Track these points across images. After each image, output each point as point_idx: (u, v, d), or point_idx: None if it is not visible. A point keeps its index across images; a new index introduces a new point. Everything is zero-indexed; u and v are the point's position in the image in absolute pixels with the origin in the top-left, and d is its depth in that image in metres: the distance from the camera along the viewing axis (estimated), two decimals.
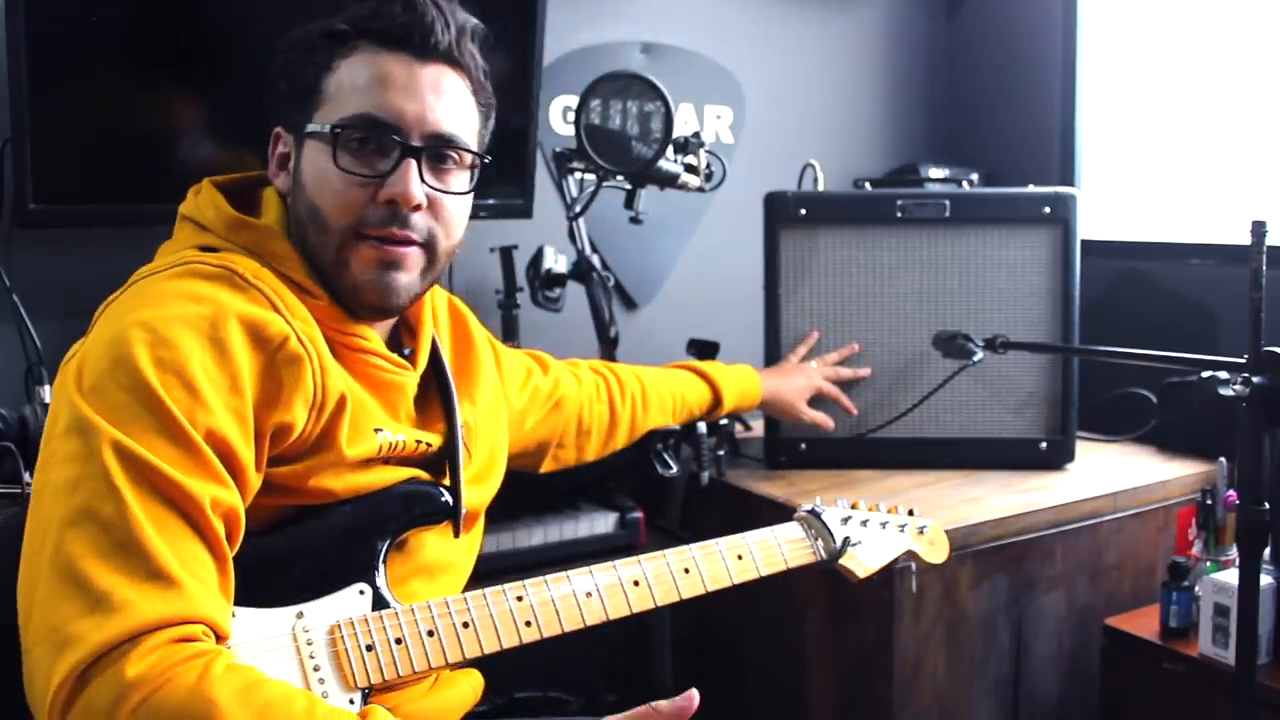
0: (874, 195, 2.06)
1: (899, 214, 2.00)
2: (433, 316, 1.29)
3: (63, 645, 0.87)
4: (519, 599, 1.15)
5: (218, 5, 1.81)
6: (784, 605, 1.90)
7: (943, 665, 1.77)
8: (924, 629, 1.74)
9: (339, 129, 1.12)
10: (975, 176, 2.23)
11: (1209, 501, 1.83)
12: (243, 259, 1.10)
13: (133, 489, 0.93)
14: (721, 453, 1.97)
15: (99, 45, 1.69)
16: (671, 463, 1.85)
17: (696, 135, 1.92)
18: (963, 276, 2.00)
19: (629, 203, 1.92)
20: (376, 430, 1.13)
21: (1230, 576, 1.66)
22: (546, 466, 1.60)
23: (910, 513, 1.49)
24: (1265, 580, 1.61)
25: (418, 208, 1.13)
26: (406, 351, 1.22)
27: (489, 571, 1.34)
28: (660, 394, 1.73)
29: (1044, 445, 2.02)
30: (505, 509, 1.80)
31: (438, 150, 1.15)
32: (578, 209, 1.93)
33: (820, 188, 2.09)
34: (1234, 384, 1.40)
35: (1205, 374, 1.43)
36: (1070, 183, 2.47)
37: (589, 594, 1.20)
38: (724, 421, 1.94)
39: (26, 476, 1.50)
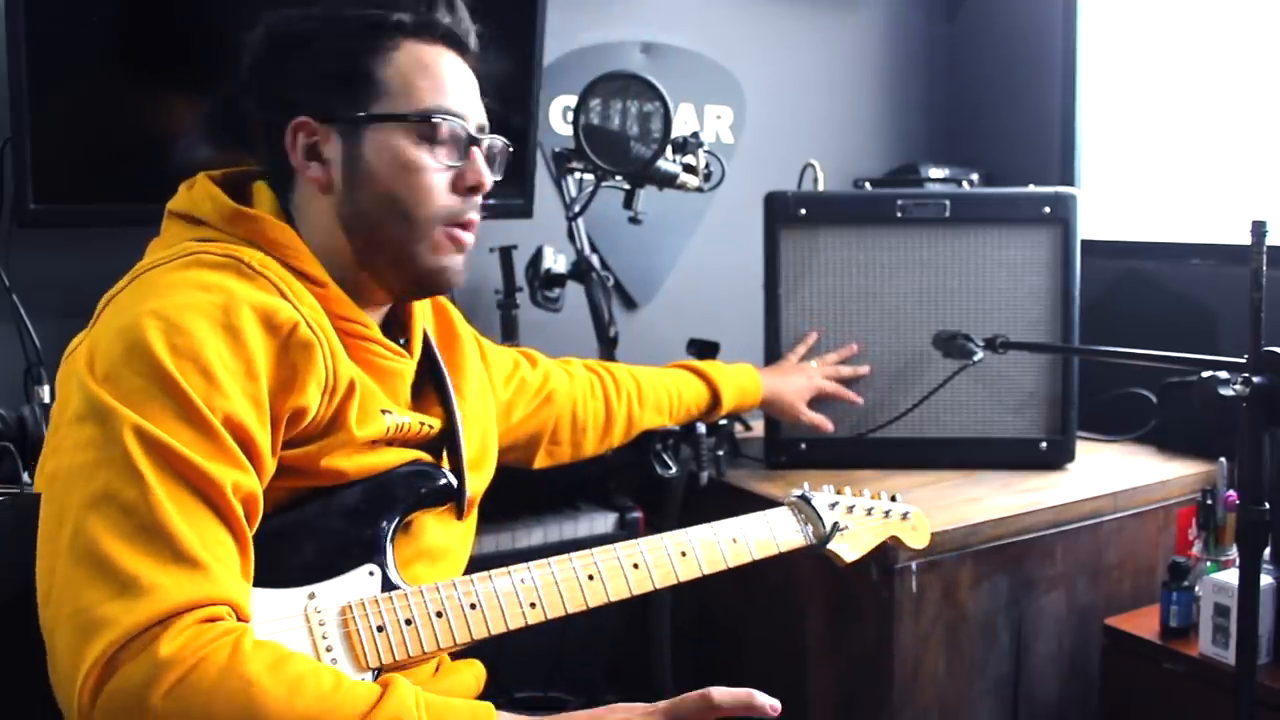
0: (874, 195, 2.06)
1: (899, 214, 2.00)
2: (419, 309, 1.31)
3: (91, 629, 0.87)
4: (522, 580, 1.18)
5: (218, 6, 1.81)
6: (784, 605, 1.90)
7: (943, 665, 1.77)
8: (924, 629, 1.74)
9: (424, 119, 1.15)
10: (975, 176, 2.23)
11: (1209, 501, 1.83)
12: (246, 249, 1.10)
13: (155, 472, 0.94)
14: (721, 453, 1.97)
15: (99, 45, 1.69)
16: (671, 463, 1.85)
17: (696, 135, 1.92)
18: (963, 276, 2.00)
19: (628, 203, 1.92)
20: (384, 412, 1.15)
21: (1230, 576, 1.66)
22: (541, 462, 1.60)
23: (893, 498, 1.53)
24: (1265, 580, 1.61)
25: (487, 194, 1.20)
26: (401, 341, 1.24)
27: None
28: (657, 392, 1.73)
29: (1044, 445, 2.02)
30: (505, 508, 1.80)
31: (492, 140, 1.23)
32: (577, 209, 1.93)
33: (820, 188, 2.09)
34: (1234, 384, 1.40)
35: (1205, 374, 1.43)
36: (1070, 183, 2.47)
37: (591, 576, 1.22)
38: (724, 421, 1.94)
39: (26, 476, 1.49)
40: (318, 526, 1.11)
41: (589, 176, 1.90)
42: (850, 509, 1.46)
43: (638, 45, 2.37)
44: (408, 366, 1.22)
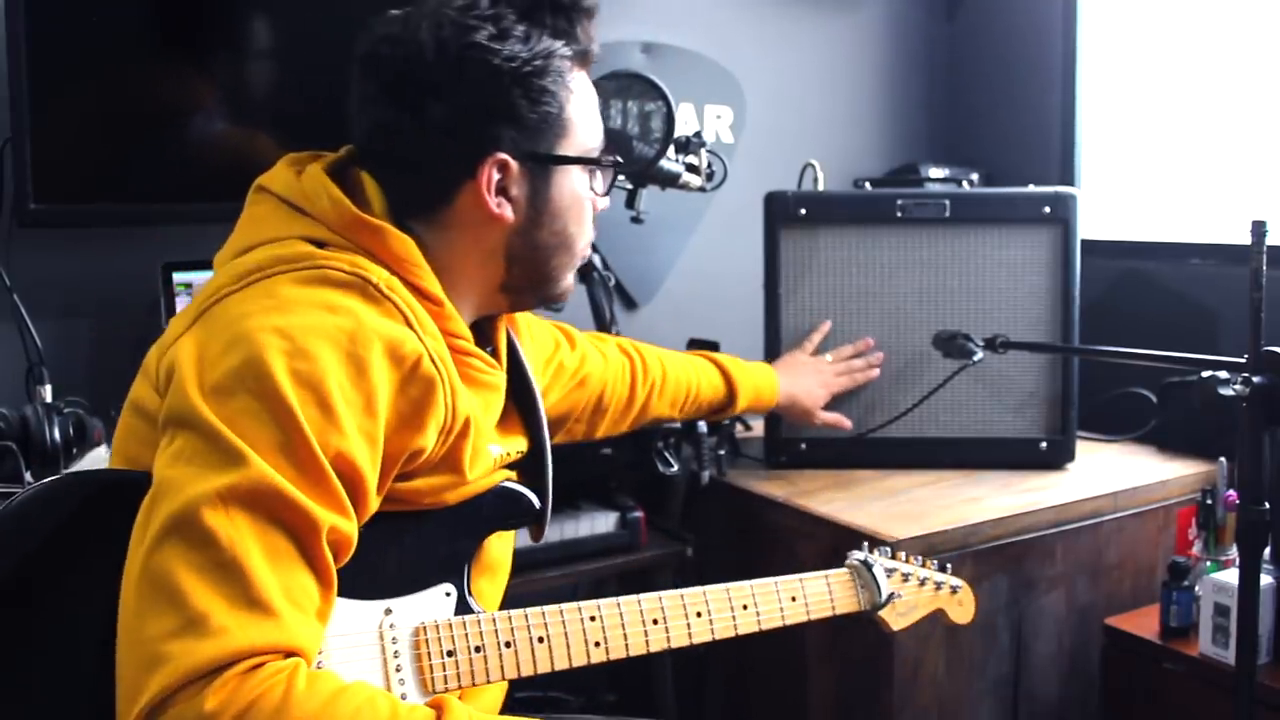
0: (874, 195, 2.06)
1: (899, 214, 2.00)
2: None
3: (152, 662, 0.84)
4: (591, 618, 1.17)
5: (219, 6, 1.81)
6: None
7: (943, 665, 1.77)
8: (924, 629, 1.73)
9: (608, 161, 1.17)
10: (975, 176, 2.23)
11: (1209, 501, 1.83)
12: (373, 266, 1.04)
13: (243, 504, 0.89)
14: (722, 452, 1.98)
15: (99, 45, 1.69)
16: (672, 461, 1.85)
17: (697, 135, 1.92)
18: (963, 276, 2.00)
19: (630, 202, 1.92)
20: (491, 446, 1.14)
21: (1230, 576, 1.66)
22: (557, 439, 1.57)
23: (944, 569, 1.52)
24: (1265, 580, 1.61)
25: None
26: (488, 349, 1.21)
27: None
28: (676, 385, 1.72)
29: (1044, 445, 2.02)
30: None
31: None
32: None
33: (820, 188, 2.09)
34: (1234, 384, 1.40)
35: (1205, 374, 1.43)
36: (1070, 183, 2.47)
37: (655, 621, 1.22)
38: (724, 421, 1.94)
39: (28, 476, 1.50)
40: (404, 544, 1.09)
41: None
42: (905, 577, 1.46)
43: (638, 45, 2.37)
44: (501, 380, 1.18)
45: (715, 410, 1.82)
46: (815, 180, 2.08)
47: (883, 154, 2.69)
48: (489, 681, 1.10)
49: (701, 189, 1.96)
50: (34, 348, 1.70)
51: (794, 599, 1.34)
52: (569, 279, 1.21)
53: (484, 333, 1.22)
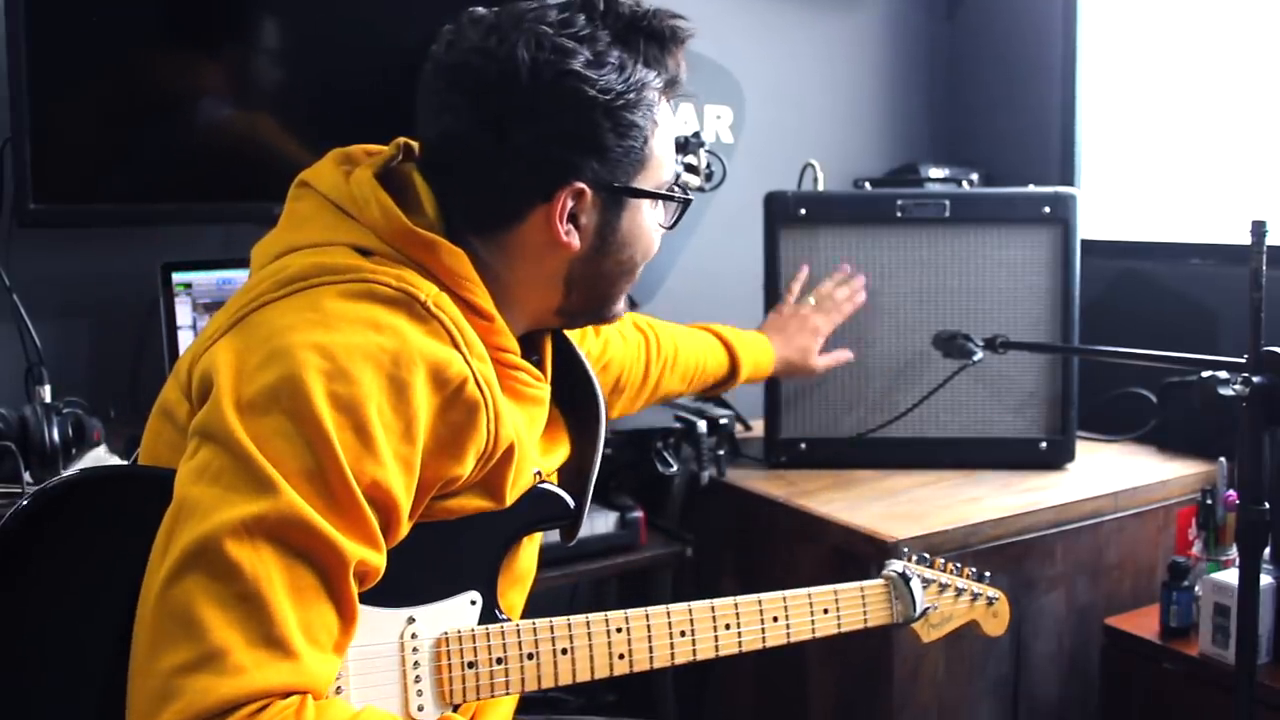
0: (874, 195, 2.06)
1: (899, 214, 2.00)
2: None
3: (164, 695, 0.82)
4: (618, 630, 1.14)
5: (220, 7, 1.81)
6: None
7: (942, 665, 1.77)
8: None
9: (681, 197, 1.15)
10: (975, 176, 2.23)
11: (1209, 501, 1.83)
12: (422, 281, 1.00)
13: (269, 535, 0.85)
14: (721, 452, 1.98)
15: (99, 45, 1.69)
16: (672, 461, 1.85)
17: (697, 135, 1.92)
18: (963, 276, 2.00)
19: None
20: (535, 472, 1.12)
21: (1230, 576, 1.66)
22: None
23: (982, 578, 1.48)
24: (1265, 580, 1.61)
25: None
26: (534, 359, 1.17)
27: None
28: (687, 361, 1.71)
29: (1044, 445, 2.02)
30: None
31: None
32: None
33: (820, 187, 2.09)
34: (1234, 384, 1.40)
35: (1205, 374, 1.43)
36: (1070, 183, 2.47)
37: (683, 633, 1.18)
38: (724, 420, 1.94)
39: (27, 476, 1.50)
40: (432, 548, 1.06)
41: None
42: (942, 588, 1.43)
43: None
44: (546, 393, 1.15)
45: (718, 384, 1.82)
46: (815, 180, 2.08)
47: (882, 154, 2.69)
48: (507, 693, 1.08)
49: (700, 189, 1.96)
50: (33, 348, 1.70)
51: (826, 611, 1.29)
52: (624, 303, 1.19)
53: (531, 342, 1.18)
